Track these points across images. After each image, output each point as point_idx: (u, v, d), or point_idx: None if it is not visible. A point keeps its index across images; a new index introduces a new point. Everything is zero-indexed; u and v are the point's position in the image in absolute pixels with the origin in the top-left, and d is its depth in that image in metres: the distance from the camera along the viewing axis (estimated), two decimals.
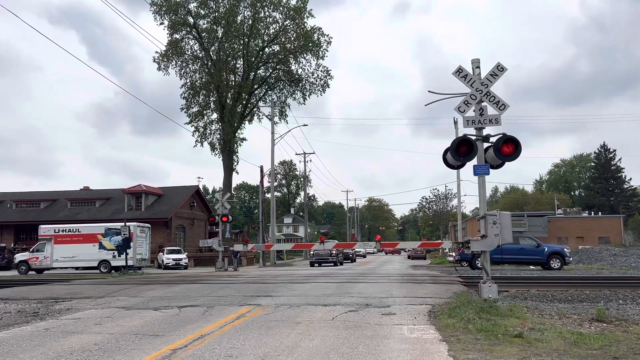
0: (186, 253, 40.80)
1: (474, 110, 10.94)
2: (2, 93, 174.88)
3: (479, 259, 14.07)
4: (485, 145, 10.91)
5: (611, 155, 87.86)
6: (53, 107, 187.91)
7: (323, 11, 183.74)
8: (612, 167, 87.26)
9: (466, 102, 10.95)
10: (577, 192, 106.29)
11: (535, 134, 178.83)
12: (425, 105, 12.54)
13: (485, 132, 10.93)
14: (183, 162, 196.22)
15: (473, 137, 10.88)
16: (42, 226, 33.25)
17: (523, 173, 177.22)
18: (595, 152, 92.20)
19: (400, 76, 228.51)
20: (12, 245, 45.25)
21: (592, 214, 64.62)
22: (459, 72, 11.06)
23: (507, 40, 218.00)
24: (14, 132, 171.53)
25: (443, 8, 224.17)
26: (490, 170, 10.98)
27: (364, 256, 62.41)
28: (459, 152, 10.67)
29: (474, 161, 10.85)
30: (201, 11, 47.78)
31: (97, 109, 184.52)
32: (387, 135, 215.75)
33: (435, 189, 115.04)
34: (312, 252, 39.90)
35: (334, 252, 38.06)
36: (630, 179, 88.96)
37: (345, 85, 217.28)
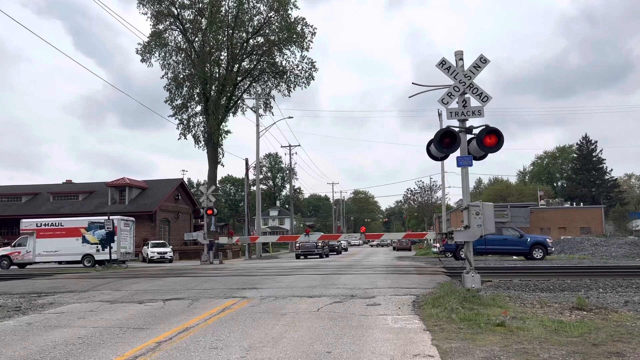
0: (171, 246, 40.58)
1: (457, 102, 11.01)
2: None
3: (462, 249, 14.24)
4: (469, 136, 11.00)
5: (593, 147, 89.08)
6: (39, 99, 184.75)
7: (321, 2, 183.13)
8: (594, 159, 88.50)
9: (449, 94, 11.02)
10: (559, 184, 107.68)
11: (523, 126, 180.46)
12: (410, 97, 12.58)
13: (468, 123, 11.02)
14: (171, 155, 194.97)
15: (456, 129, 10.96)
16: (24, 220, 32.83)
17: (508, 165, 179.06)
18: (577, 144, 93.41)
19: (392, 68, 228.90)
20: None
21: (574, 205, 65.54)
22: (442, 64, 11.11)
23: (499, 32, 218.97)
24: None
25: (435, 0, 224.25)
26: (474, 161, 11.08)
27: (346, 249, 62.10)
28: (443, 144, 10.75)
29: (458, 153, 10.94)
30: (185, 1, 47.31)
31: (85, 101, 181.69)
32: (376, 127, 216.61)
33: (420, 180, 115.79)
34: (297, 245, 39.94)
35: (320, 244, 38.14)
36: (612, 170, 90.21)
37: (338, 77, 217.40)
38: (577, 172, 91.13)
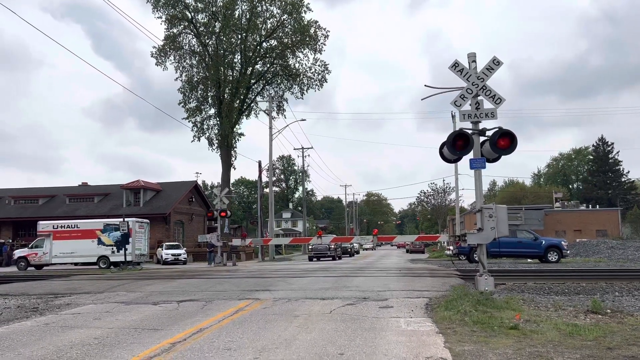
0: (185, 248, 40.89)
1: (470, 105, 10.98)
2: (9, 89, 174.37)
3: (476, 252, 14.17)
4: (482, 139, 10.97)
5: (609, 149, 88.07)
6: (60, 103, 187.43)
7: (339, 4, 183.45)
8: (610, 161, 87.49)
9: (462, 96, 11.00)
10: (575, 186, 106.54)
11: (542, 127, 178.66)
12: (422, 100, 12.59)
13: (481, 126, 10.99)
14: (187, 157, 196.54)
15: (469, 131, 10.94)
16: (40, 222, 33.27)
17: (525, 167, 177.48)
18: (593, 146, 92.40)
19: (409, 70, 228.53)
20: (11, 241, 45.28)
21: (590, 207, 64.77)
22: (455, 66, 11.10)
23: (519, 33, 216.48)
24: (19, 129, 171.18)
25: (456, 2, 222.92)
26: (487, 163, 11.04)
27: (358, 251, 61.13)
28: (456, 146, 10.73)
29: (471, 155, 10.91)
30: (199, 5, 47.70)
31: (104, 104, 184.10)
32: (393, 129, 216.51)
33: (434, 183, 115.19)
34: (310, 247, 40.04)
35: (333, 246, 38.18)
36: (628, 172, 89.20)
37: (355, 79, 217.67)
38: (593, 174, 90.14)
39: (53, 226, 32.24)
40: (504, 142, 10.50)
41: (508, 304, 9.11)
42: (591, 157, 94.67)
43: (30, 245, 33.02)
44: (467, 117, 11.00)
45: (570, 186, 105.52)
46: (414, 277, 16.17)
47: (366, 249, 72.91)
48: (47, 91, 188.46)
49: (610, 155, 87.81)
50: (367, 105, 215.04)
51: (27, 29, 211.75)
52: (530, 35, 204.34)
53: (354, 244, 53.40)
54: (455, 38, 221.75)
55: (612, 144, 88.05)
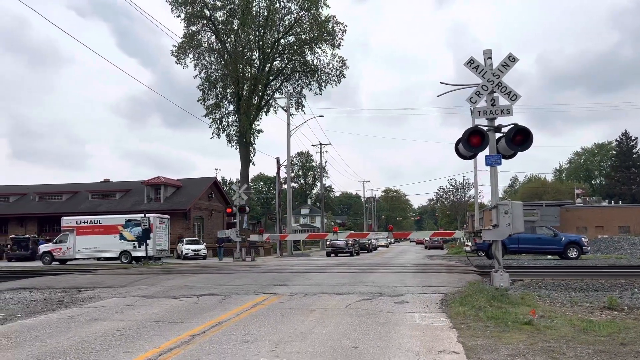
0: (205, 244, 41.37)
1: (486, 101, 10.99)
2: (40, 86, 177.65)
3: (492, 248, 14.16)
4: (497, 135, 10.96)
5: (633, 144, 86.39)
6: (87, 100, 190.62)
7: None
8: (634, 156, 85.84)
9: (478, 93, 11.00)
10: (598, 181, 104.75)
11: (570, 122, 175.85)
12: (438, 97, 12.63)
13: (497, 122, 10.97)
14: (208, 153, 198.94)
15: (485, 128, 10.94)
16: (64, 218, 33.95)
17: (549, 162, 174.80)
18: (616, 140, 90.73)
19: (435, 64, 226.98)
20: (36, 236, 46.29)
21: (612, 203, 63.66)
22: (471, 63, 11.10)
23: (548, 26, 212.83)
24: (47, 125, 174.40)
25: None
26: (503, 160, 11.04)
27: (376, 247, 58.67)
28: (471, 143, 10.74)
29: (486, 151, 10.92)
30: (217, 3, 48.07)
31: (131, 100, 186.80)
32: (416, 124, 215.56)
33: (453, 179, 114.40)
34: (328, 243, 40.17)
35: (350, 242, 38.26)
36: None
37: (379, 74, 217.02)
38: (616, 170, 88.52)
39: (76, 222, 32.88)
40: (520, 138, 10.50)
41: (523, 300, 9.13)
42: (614, 152, 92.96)
43: (54, 241, 33.73)
44: (482, 114, 11.01)
45: (593, 182, 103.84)
46: (431, 273, 16.22)
47: (380, 246, 71.49)
48: (76, 88, 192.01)
49: (634, 150, 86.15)
50: (391, 100, 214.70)
51: (55, 27, 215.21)
52: (560, 27, 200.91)
53: (372, 240, 53.37)
54: (482, 31, 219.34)
55: (636, 138, 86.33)
